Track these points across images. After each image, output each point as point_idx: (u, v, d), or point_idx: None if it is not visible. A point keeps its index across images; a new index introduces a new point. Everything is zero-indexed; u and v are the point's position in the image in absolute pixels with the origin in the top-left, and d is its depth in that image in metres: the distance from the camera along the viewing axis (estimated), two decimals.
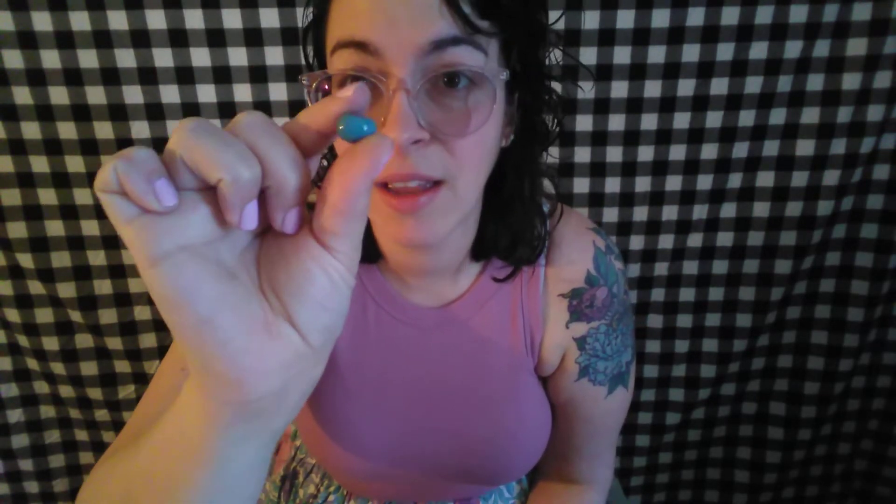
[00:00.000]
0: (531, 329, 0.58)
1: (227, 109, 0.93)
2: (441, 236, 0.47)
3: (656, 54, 0.92)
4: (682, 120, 0.96)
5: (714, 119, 0.96)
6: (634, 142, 0.98)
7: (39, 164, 0.94)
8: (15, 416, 1.11)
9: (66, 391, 1.09)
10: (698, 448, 1.21)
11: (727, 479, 1.23)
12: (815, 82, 0.94)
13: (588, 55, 0.92)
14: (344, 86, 0.43)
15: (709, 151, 0.98)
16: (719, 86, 0.94)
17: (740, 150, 0.98)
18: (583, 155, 0.99)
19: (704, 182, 1.00)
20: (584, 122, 0.96)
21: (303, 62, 0.52)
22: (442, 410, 0.58)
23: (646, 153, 0.98)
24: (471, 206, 0.49)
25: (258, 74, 0.92)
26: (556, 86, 0.61)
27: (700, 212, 1.02)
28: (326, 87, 0.45)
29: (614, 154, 0.98)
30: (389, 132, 0.40)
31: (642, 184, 1.00)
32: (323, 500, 0.68)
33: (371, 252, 0.57)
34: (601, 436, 0.64)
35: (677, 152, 0.98)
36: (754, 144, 0.98)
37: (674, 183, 1.00)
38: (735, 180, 1.01)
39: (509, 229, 0.54)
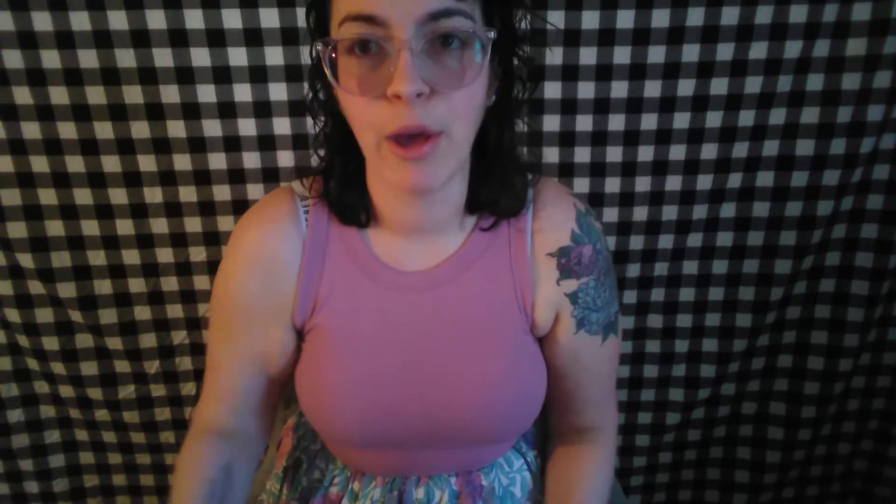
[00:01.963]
0: (521, 289, 0.62)
1: (227, 109, 0.94)
2: (442, 180, 0.53)
3: (656, 54, 0.92)
4: (681, 120, 0.96)
5: (714, 119, 0.96)
6: (634, 142, 0.98)
7: (39, 163, 0.94)
8: (15, 415, 1.11)
9: (66, 391, 1.09)
10: (698, 448, 1.21)
11: (727, 479, 1.23)
12: (815, 82, 0.94)
13: (588, 55, 0.92)
14: (352, 51, 0.50)
15: (709, 151, 0.98)
16: (719, 86, 0.94)
17: (740, 150, 0.98)
18: (583, 155, 0.99)
19: (704, 182, 1.00)
20: (583, 122, 0.96)
21: (305, 44, 0.59)
22: (435, 368, 0.61)
23: (646, 153, 0.98)
24: (465, 154, 0.55)
25: (258, 74, 0.92)
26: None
27: (700, 212, 1.02)
28: (334, 54, 0.51)
29: (614, 154, 0.98)
30: (398, 86, 0.46)
31: (642, 184, 1.00)
32: (328, 483, 0.69)
33: (365, 215, 0.62)
34: (603, 381, 0.69)
35: (677, 152, 0.98)
36: (754, 144, 0.98)
37: (674, 183, 1.00)
38: (735, 180, 1.01)
39: (492, 181, 0.60)
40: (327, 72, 0.51)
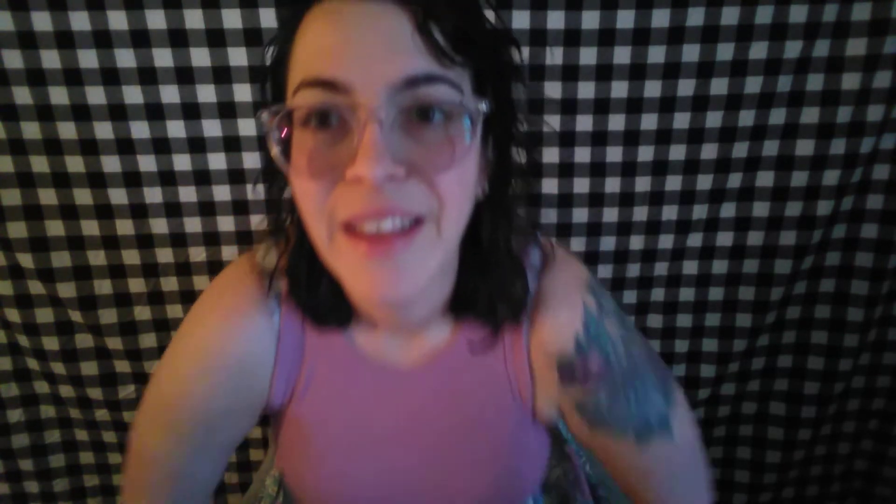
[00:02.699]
0: (520, 386, 0.54)
1: (227, 109, 0.94)
2: (420, 287, 0.42)
3: (656, 54, 0.92)
4: (681, 120, 0.96)
5: (714, 119, 0.96)
6: (634, 142, 0.98)
7: (39, 163, 0.94)
8: (15, 415, 1.11)
9: (66, 391, 1.09)
10: None
11: (727, 479, 1.23)
12: (815, 82, 0.94)
13: (588, 55, 0.92)
14: (308, 122, 0.40)
15: (709, 151, 0.98)
16: (719, 86, 0.94)
17: (740, 150, 0.98)
18: (583, 155, 0.99)
19: (704, 182, 1.00)
20: (583, 122, 0.96)
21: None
22: (419, 472, 0.55)
23: (646, 153, 0.98)
24: (452, 250, 0.45)
25: (258, 75, 0.92)
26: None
27: (700, 212, 1.02)
28: (287, 127, 0.41)
29: (614, 154, 0.98)
30: (360, 168, 0.36)
31: (642, 184, 1.00)
32: None
33: (344, 314, 0.51)
34: (660, 488, 0.54)
35: (677, 152, 0.98)
36: (754, 144, 0.98)
37: (674, 183, 1.00)
38: (735, 180, 1.01)
39: (487, 285, 0.50)
40: (272, 148, 0.41)
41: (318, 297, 0.50)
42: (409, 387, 0.54)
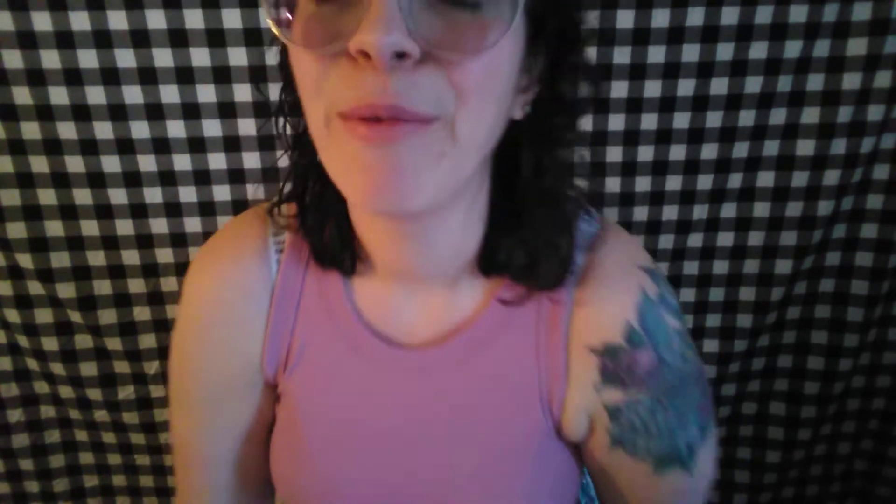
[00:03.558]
0: (549, 382, 0.45)
1: (227, 109, 0.93)
2: (426, 194, 0.34)
3: (656, 54, 0.92)
4: (681, 120, 0.96)
5: (714, 119, 0.96)
6: (634, 142, 0.97)
7: (39, 164, 0.94)
8: (15, 415, 1.11)
9: (65, 391, 1.09)
10: None
11: (727, 479, 1.23)
12: (816, 82, 0.94)
13: (587, 55, 0.92)
14: None
15: (709, 151, 0.98)
16: (719, 86, 0.94)
17: (740, 150, 0.98)
18: (582, 155, 0.98)
19: (704, 182, 1.00)
20: (583, 123, 0.96)
21: None
22: (426, 475, 0.47)
23: (646, 153, 0.98)
24: (471, 161, 0.36)
25: (258, 75, 0.92)
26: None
27: (700, 212, 1.02)
28: None
29: (614, 154, 0.98)
30: (365, 35, 0.29)
31: (642, 184, 1.00)
32: None
33: (349, 258, 0.45)
34: None
35: (677, 152, 0.98)
36: (754, 144, 0.98)
37: (674, 183, 1.00)
38: (735, 180, 1.01)
39: (524, 239, 0.42)
40: (266, 10, 0.34)
41: (325, 230, 0.44)
42: (416, 366, 0.46)
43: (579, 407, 0.45)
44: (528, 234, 0.42)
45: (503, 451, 0.46)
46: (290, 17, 0.34)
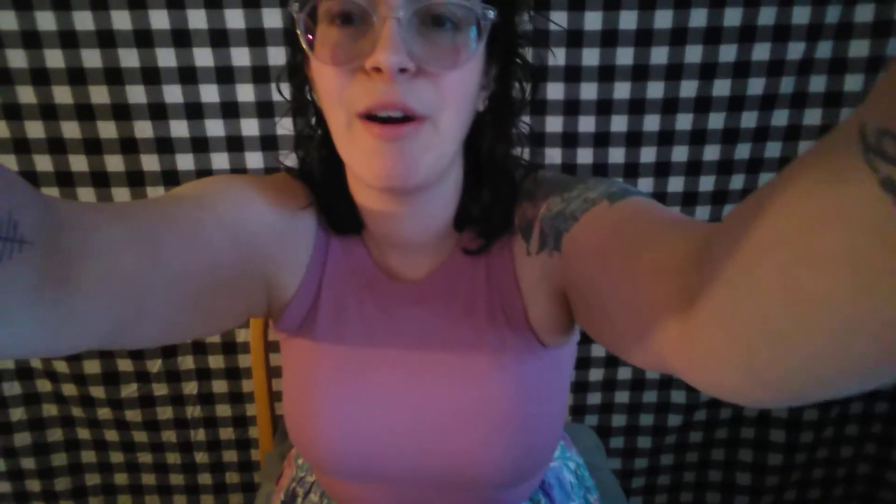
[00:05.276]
0: (510, 302, 0.54)
1: (230, 109, 0.94)
2: (421, 174, 0.46)
3: (659, 55, 0.92)
4: (684, 121, 0.96)
5: (716, 120, 0.96)
6: (637, 143, 0.98)
7: (43, 163, 0.94)
8: (17, 414, 1.11)
9: (68, 389, 1.09)
10: (700, 450, 1.21)
11: (729, 482, 1.23)
12: (818, 84, 0.94)
13: (591, 56, 0.92)
14: (333, 21, 0.45)
15: (711, 153, 0.98)
16: (722, 87, 0.94)
17: (743, 151, 0.98)
18: (585, 156, 0.99)
19: (707, 184, 1.00)
20: (586, 124, 0.96)
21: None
22: (424, 391, 0.56)
23: (648, 155, 0.98)
24: (449, 151, 0.48)
25: (261, 75, 0.92)
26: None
27: (702, 213, 1.02)
28: (312, 23, 0.45)
29: (616, 155, 0.98)
30: (379, 55, 0.41)
31: (644, 185, 1.00)
32: None
33: (355, 221, 0.56)
34: (658, 230, 0.41)
35: (680, 154, 0.98)
36: (757, 146, 0.98)
37: (676, 184, 1.00)
38: (738, 182, 1.01)
39: (482, 196, 0.54)
40: (301, 37, 0.45)
41: (332, 201, 0.55)
42: (412, 303, 0.56)
43: (538, 296, 0.54)
44: (485, 195, 0.54)
45: (483, 368, 0.55)
46: (312, 38, 0.45)
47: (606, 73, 0.93)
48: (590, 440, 0.94)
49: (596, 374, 1.12)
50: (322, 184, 0.55)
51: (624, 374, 1.12)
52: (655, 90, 0.94)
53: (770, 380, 0.27)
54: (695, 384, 0.33)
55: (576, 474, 0.73)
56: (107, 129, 0.93)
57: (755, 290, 0.25)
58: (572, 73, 0.93)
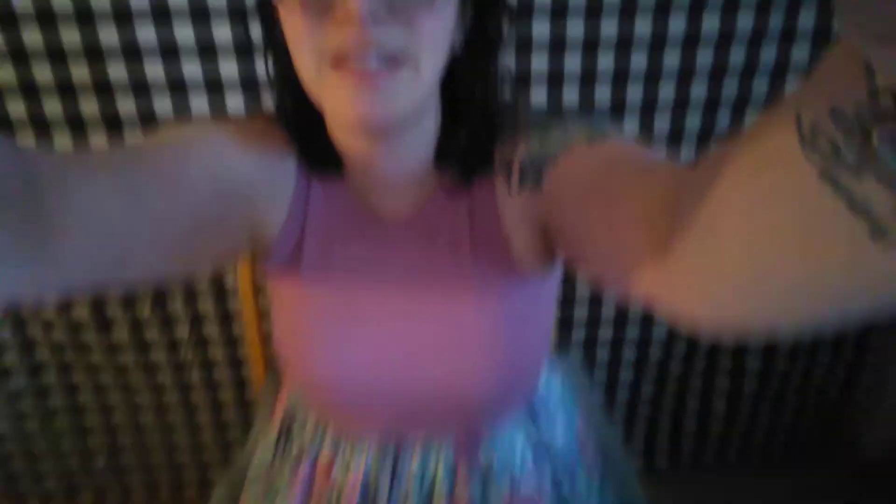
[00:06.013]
0: (493, 237, 0.55)
1: (208, 51, 0.92)
2: (399, 115, 0.45)
3: (671, 57, 0.95)
4: (672, 58, 0.96)
5: (705, 57, 0.96)
6: (623, 81, 0.97)
7: (17, 109, 0.93)
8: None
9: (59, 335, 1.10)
10: (678, 383, 1.26)
11: (705, 408, 1.28)
12: (807, 20, 0.93)
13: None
14: None
15: (698, 91, 0.98)
16: (711, 22, 0.93)
17: (730, 88, 0.98)
18: (571, 95, 0.98)
19: (693, 122, 1.00)
20: (572, 62, 0.95)
21: None
22: (414, 318, 0.58)
23: (634, 93, 0.98)
24: (427, 93, 0.48)
25: (238, 14, 0.90)
26: None
27: (689, 152, 1.02)
28: None
29: (603, 94, 0.98)
30: (349, 1, 0.40)
31: (630, 124, 1.00)
32: (318, 449, 0.68)
33: (335, 164, 0.55)
34: (637, 174, 0.42)
35: (666, 92, 0.98)
36: (744, 83, 0.98)
37: (662, 123, 1.00)
38: (724, 119, 1.01)
39: (459, 136, 0.54)
40: None
41: (310, 145, 0.54)
42: (399, 235, 0.57)
43: (521, 227, 0.54)
44: (462, 134, 0.54)
45: (467, 301, 0.57)
46: None
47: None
48: (574, 372, 0.97)
49: (580, 312, 1.15)
50: (299, 127, 0.54)
51: (608, 312, 1.15)
52: (643, 27, 0.93)
53: (732, 317, 0.31)
54: (667, 318, 0.37)
55: (561, 402, 0.76)
56: (80, 74, 0.91)
57: (718, 248, 0.29)
58: (558, 10, 0.91)
